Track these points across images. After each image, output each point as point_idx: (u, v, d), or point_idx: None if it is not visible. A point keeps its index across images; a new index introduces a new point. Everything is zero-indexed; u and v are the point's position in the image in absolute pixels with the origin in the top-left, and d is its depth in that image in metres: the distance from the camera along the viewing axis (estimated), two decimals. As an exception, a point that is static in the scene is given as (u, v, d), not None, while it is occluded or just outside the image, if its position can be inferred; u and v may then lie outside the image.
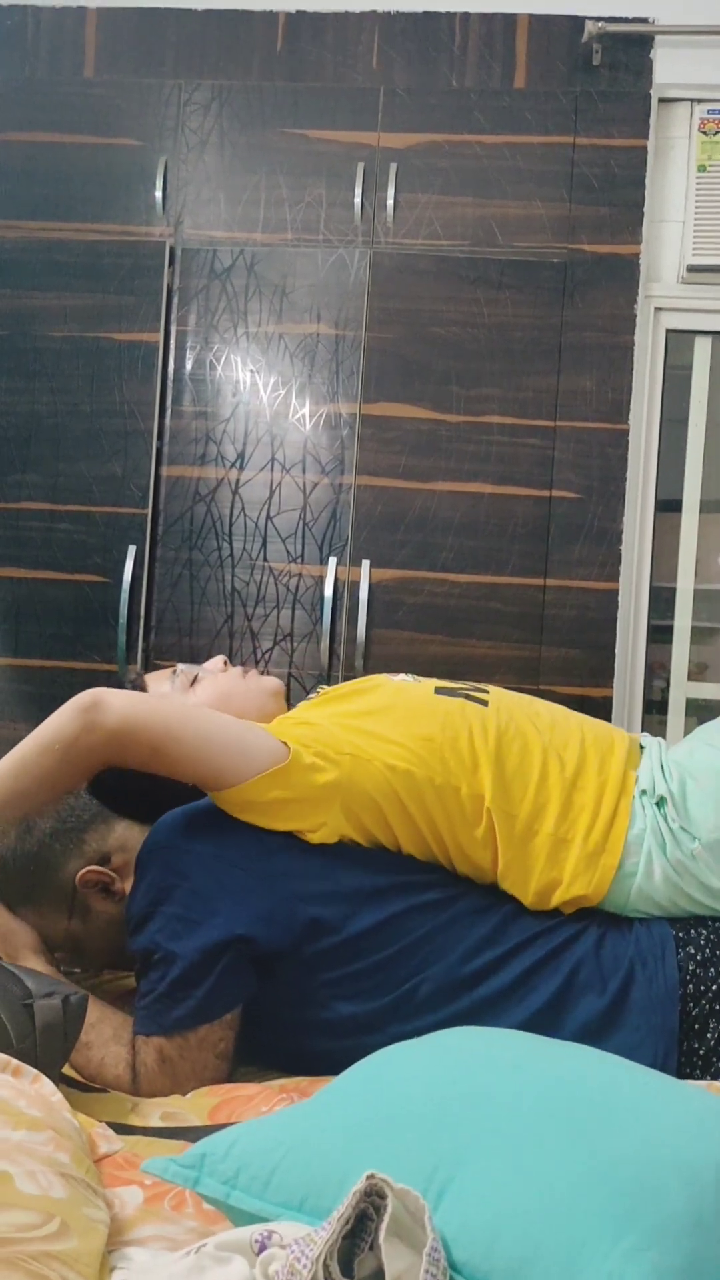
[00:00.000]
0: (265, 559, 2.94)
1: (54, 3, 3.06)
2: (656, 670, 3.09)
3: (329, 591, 2.88)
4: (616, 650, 2.88)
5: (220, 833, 1.41)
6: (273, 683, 1.71)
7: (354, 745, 1.46)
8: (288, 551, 2.93)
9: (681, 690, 3.05)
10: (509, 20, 2.93)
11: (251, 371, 2.96)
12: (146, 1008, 1.36)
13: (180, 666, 1.73)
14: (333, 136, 2.96)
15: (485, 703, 1.55)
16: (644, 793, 1.49)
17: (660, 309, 3.04)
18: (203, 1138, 0.99)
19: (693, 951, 1.40)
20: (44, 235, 3.02)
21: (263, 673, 1.75)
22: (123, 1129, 1.21)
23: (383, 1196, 0.80)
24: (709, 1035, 1.35)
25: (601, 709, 2.83)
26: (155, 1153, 1.10)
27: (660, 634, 3.07)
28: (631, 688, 2.99)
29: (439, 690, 1.58)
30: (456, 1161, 0.87)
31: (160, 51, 3.03)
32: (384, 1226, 0.78)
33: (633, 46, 2.91)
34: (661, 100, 2.97)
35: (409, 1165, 0.87)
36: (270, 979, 1.38)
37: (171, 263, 2.98)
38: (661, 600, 3.07)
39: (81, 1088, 1.34)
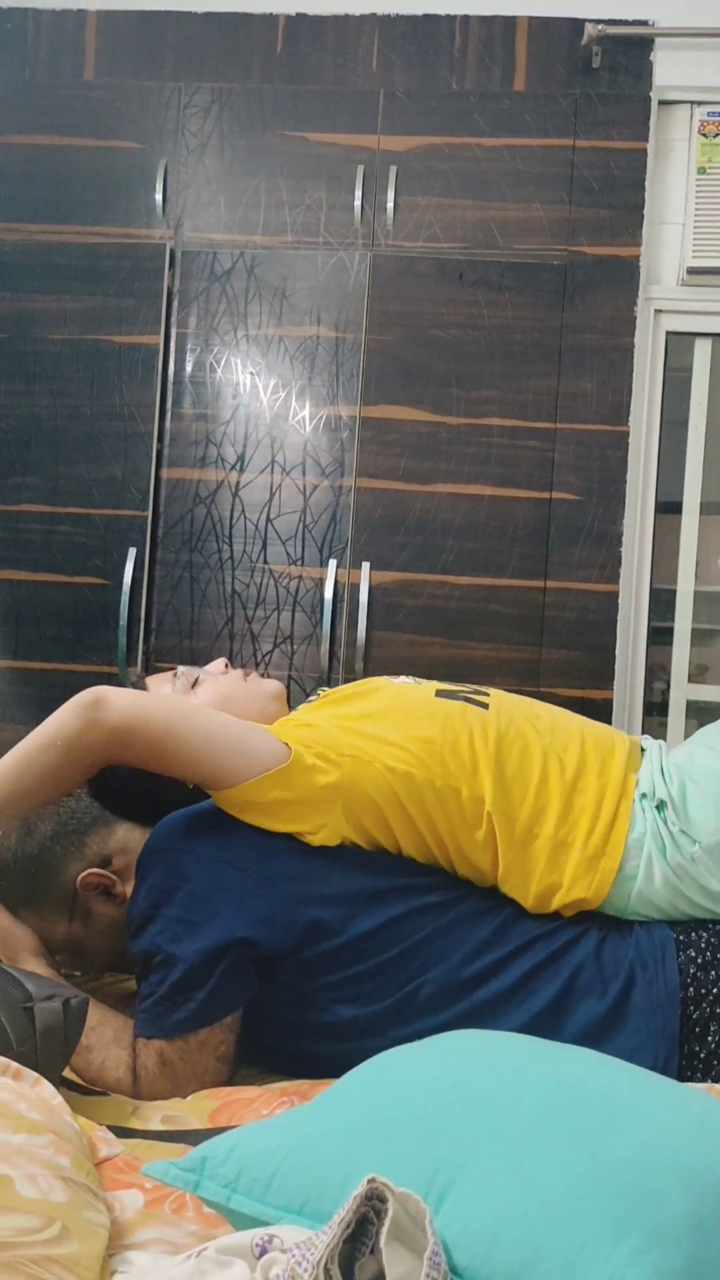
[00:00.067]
0: (265, 561, 2.94)
1: (54, 5, 3.06)
2: (657, 672, 3.09)
3: (329, 594, 2.88)
4: (617, 652, 2.88)
5: (221, 835, 1.41)
6: (274, 685, 1.71)
7: (355, 747, 1.46)
8: (288, 554, 2.93)
9: (682, 692, 3.05)
10: (509, 23, 2.93)
11: (251, 374, 2.96)
12: (147, 1010, 1.36)
13: (181, 669, 1.73)
14: (333, 139, 2.97)
15: (486, 705, 1.55)
16: (644, 796, 1.49)
17: (660, 311, 3.04)
18: (203, 1141, 0.99)
19: (693, 955, 1.40)
20: (44, 238, 3.02)
21: (263, 675, 1.75)
22: (123, 1132, 1.21)
23: (384, 1200, 0.80)
24: (709, 1038, 1.35)
25: (602, 711, 2.83)
26: (156, 1156, 1.10)
27: (660, 636, 3.07)
28: (632, 690, 2.99)
29: (439, 693, 1.58)
30: (457, 1165, 0.87)
31: (160, 54, 3.03)
32: (385, 1230, 0.78)
33: (632, 49, 2.91)
34: (661, 102, 2.97)
35: (410, 1168, 0.87)
36: (271, 982, 1.38)
37: (171, 265, 2.98)
38: (662, 602, 3.07)
39: (82, 1091, 1.34)
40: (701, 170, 2.99)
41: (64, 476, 2.98)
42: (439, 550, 2.89)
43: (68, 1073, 1.32)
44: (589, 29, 2.86)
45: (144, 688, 1.72)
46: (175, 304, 2.98)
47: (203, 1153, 0.96)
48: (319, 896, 1.39)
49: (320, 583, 2.91)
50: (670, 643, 3.06)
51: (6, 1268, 0.83)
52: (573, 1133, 0.88)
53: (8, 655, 2.98)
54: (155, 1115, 1.28)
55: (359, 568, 2.89)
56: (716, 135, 2.99)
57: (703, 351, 3.08)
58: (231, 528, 2.95)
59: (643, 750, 1.60)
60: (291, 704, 1.76)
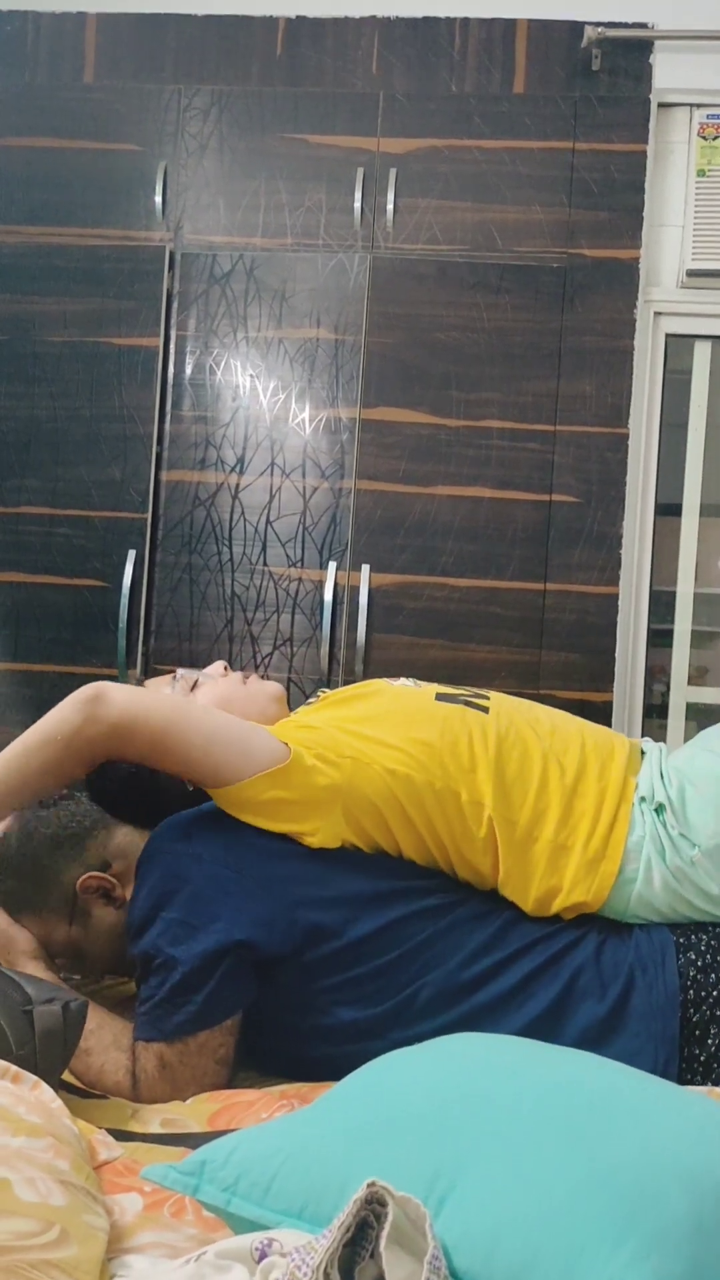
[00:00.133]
0: (265, 564, 2.94)
1: (54, 8, 3.06)
2: (656, 674, 3.09)
3: (329, 596, 2.88)
4: (616, 654, 2.88)
5: (221, 838, 1.41)
6: (273, 688, 1.71)
7: (354, 749, 1.46)
8: (287, 556, 2.93)
9: (681, 694, 3.05)
10: (508, 25, 2.94)
11: (251, 376, 2.96)
12: (147, 1013, 1.35)
13: (180, 671, 1.73)
14: (332, 141, 2.97)
15: (486, 709, 1.55)
16: (643, 799, 1.49)
17: (660, 313, 3.04)
18: (203, 1144, 0.99)
19: (693, 958, 1.39)
20: (44, 240, 3.02)
21: (263, 677, 1.75)
22: (122, 1135, 1.21)
23: (384, 1204, 0.80)
24: (709, 1041, 1.35)
25: (601, 713, 2.83)
26: (155, 1159, 1.10)
27: (660, 638, 3.07)
28: (631, 692, 2.99)
29: (439, 696, 1.58)
30: (457, 1168, 0.87)
31: (160, 57, 3.03)
32: (385, 1234, 0.78)
33: (632, 51, 2.91)
34: (661, 105, 2.97)
35: (410, 1172, 0.87)
36: (271, 984, 1.38)
37: (171, 267, 2.98)
38: (661, 604, 3.07)
39: (81, 1094, 1.34)
40: (701, 173, 3.00)
41: (63, 478, 2.98)
42: (439, 552, 2.89)
43: (67, 1076, 1.32)
44: (588, 31, 2.86)
45: (143, 690, 1.72)
46: (175, 306, 2.98)
47: (202, 1156, 0.96)
48: (319, 899, 1.39)
49: (320, 585, 2.91)
50: (670, 645, 3.06)
51: (6, 1272, 0.83)
52: (573, 1136, 0.88)
53: (7, 657, 2.98)
54: (154, 1118, 1.28)
55: (359, 570, 2.89)
56: (716, 138, 2.99)
57: (702, 354, 3.08)
58: (231, 530, 2.95)
59: (643, 753, 1.59)
60: (291, 706, 1.76)
